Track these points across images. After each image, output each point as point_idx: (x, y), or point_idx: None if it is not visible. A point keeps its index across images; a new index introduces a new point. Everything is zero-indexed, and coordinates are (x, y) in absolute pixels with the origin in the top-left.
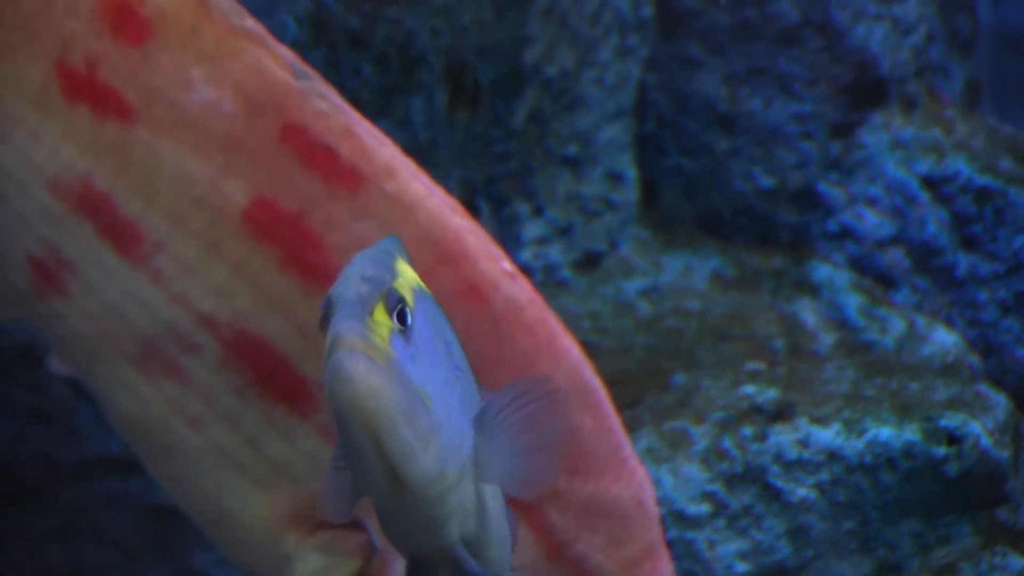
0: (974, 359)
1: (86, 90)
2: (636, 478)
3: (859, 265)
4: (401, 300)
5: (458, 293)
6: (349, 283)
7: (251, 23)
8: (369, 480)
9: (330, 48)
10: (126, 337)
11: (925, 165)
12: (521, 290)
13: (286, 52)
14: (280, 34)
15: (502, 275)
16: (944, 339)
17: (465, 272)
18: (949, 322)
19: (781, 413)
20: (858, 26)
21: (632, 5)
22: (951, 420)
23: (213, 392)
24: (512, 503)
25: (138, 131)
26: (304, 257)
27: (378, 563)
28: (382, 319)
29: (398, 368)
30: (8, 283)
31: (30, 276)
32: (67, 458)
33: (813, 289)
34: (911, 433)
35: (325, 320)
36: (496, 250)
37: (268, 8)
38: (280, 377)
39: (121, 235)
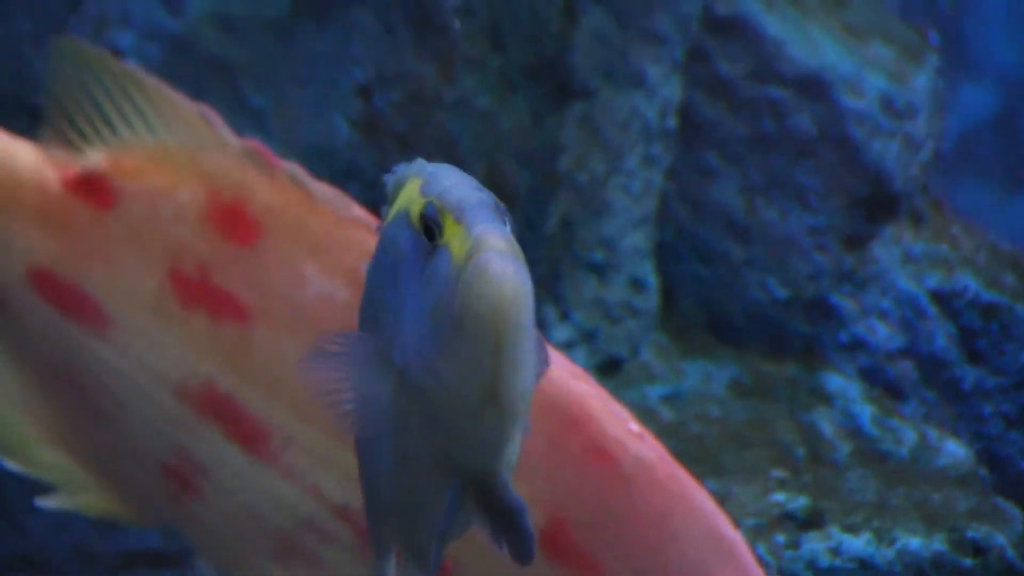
0: (983, 471)
1: (201, 295)
2: None
3: (869, 376)
4: (505, 213)
5: (587, 456)
6: (465, 189)
7: (357, 210)
8: (459, 391)
9: (380, 149)
10: (264, 534)
11: (934, 279)
12: (650, 448)
13: None
14: (333, 135)
15: (629, 435)
16: (955, 451)
17: (592, 435)
18: (955, 434)
19: (812, 521)
20: (873, 141)
21: (659, 114)
22: (976, 531)
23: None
24: None
25: (256, 330)
26: None
27: None
28: None
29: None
30: (146, 492)
31: (166, 483)
32: (107, 551)
33: (827, 398)
34: (939, 543)
35: (433, 225)
36: (622, 411)
37: (320, 110)
38: None
39: (249, 434)
